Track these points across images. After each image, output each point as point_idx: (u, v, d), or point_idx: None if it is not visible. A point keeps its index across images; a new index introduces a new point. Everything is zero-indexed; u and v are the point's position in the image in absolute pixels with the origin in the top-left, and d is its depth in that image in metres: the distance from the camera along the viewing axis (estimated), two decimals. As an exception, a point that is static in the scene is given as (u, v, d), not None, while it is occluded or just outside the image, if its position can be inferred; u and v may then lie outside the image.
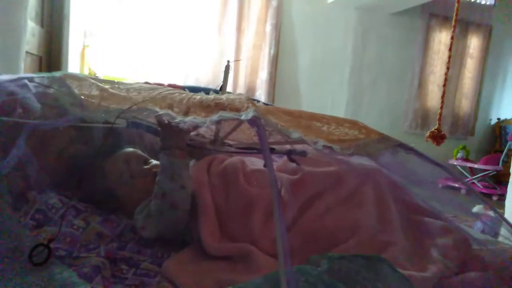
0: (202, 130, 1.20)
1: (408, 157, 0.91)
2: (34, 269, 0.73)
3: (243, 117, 0.65)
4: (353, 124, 0.91)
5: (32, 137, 1.02)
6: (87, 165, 1.09)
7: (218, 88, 1.14)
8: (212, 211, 0.96)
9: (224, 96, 0.80)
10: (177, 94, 0.84)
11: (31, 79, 1.04)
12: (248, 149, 1.18)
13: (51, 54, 2.61)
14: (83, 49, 3.37)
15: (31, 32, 2.17)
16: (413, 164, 0.95)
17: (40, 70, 2.42)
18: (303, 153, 1.08)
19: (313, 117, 0.89)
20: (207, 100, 0.78)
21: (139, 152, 1.14)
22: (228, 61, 1.14)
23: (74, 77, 0.95)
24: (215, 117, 0.67)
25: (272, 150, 1.11)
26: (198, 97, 0.80)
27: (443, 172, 0.95)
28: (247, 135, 1.20)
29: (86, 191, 1.06)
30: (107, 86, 0.91)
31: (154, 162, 1.13)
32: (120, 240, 0.95)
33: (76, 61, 3.17)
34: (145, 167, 1.10)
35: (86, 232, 0.92)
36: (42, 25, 2.44)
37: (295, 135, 0.69)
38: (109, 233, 0.94)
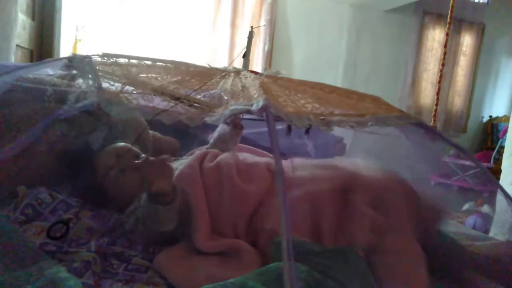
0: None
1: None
2: (23, 264, 0.73)
3: (253, 107, 0.66)
4: (375, 100, 0.91)
5: (21, 129, 1.01)
6: (78, 159, 1.08)
7: (242, 55, 1.14)
8: (205, 209, 0.95)
9: (239, 84, 0.81)
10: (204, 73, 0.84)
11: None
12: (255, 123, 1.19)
13: (42, 47, 2.57)
14: (75, 43, 3.33)
15: (21, 25, 2.14)
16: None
17: (31, 64, 2.39)
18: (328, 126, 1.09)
19: (334, 91, 0.90)
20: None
21: (131, 146, 1.13)
22: (252, 27, 1.15)
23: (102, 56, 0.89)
24: (227, 111, 0.69)
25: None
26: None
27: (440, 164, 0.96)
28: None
29: (77, 185, 1.05)
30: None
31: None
32: (111, 235, 0.94)
33: (68, 55, 3.13)
34: (137, 162, 1.08)
35: (77, 227, 0.91)
36: (33, 18, 2.40)
37: (306, 122, 0.70)
38: (100, 228, 0.94)
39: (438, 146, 1.00)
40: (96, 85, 0.78)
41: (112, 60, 0.88)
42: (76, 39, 3.34)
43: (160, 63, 0.98)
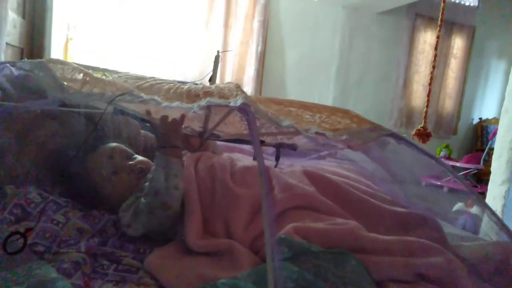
0: (192, 123, 1.18)
1: (399, 148, 0.92)
2: (11, 264, 0.72)
3: (232, 104, 0.63)
4: (345, 113, 0.90)
5: (10, 128, 1.00)
6: (69, 159, 1.06)
7: (208, 78, 1.12)
8: (198, 208, 0.94)
9: (213, 86, 0.79)
10: (164, 83, 0.82)
11: (13, 64, 1.01)
12: (237, 141, 1.17)
13: (33, 46, 2.54)
14: (67, 42, 3.30)
15: (12, 23, 2.12)
16: (402, 157, 0.95)
17: (22, 63, 2.36)
18: (293, 146, 1.08)
19: (304, 106, 0.88)
20: (195, 89, 0.76)
21: (123, 147, 1.12)
22: (218, 51, 1.13)
23: (57, 61, 0.91)
24: (202, 102, 0.66)
25: (262, 143, 1.09)
26: (186, 86, 0.79)
27: (429, 167, 0.96)
28: (237, 128, 1.19)
29: (68, 185, 1.04)
30: (90, 71, 0.88)
31: (139, 157, 1.11)
32: (102, 236, 0.93)
33: (59, 54, 3.11)
34: (130, 162, 1.08)
35: (67, 228, 0.90)
36: (23, 16, 2.38)
37: (286, 122, 0.67)
38: (90, 229, 0.93)
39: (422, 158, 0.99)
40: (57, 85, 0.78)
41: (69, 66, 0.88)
42: (67, 38, 3.31)
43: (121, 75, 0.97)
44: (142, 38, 3.69)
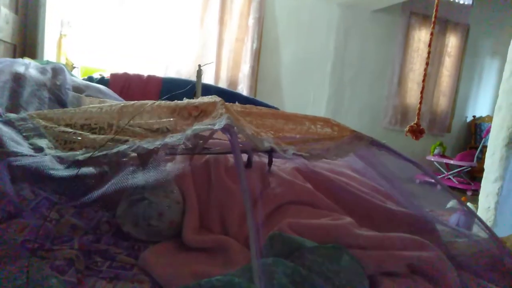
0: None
1: (382, 153, 0.93)
2: (3, 262, 0.71)
3: (216, 126, 0.67)
4: (326, 122, 0.92)
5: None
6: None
7: (193, 94, 1.14)
8: (195, 205, 0.94)
9: (197, 101, 0.81)
10: (147, 105, 0.84)
11: None
12: (228, 152, 1.18)
13: (26, 42, 2.52)
14: (60, 38, 3.27)
15: (4, 19, 2.09)
16: (386, 161, 0.96)
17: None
18: (284, 151, 1.09)
19: (287, 117, 0.91)
20: (181, 105, 0.79)
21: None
22: (200, 65, 1.15)
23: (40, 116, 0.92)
24: (189, 131, 0.69)
25: (254, 149, 1.11)
26: (172, 104, 0.81)
27: (415, 169, 0.97)
28: (224, 137, 1.20)
29: (60, 182, 1.03)
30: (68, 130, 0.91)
31: (132, 154, 1.11)
32: (96, 233, 0.92)
33: (52, 50, 3.08)
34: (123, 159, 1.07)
35: (60, 225, 0.89)
36: (16, 12, 2.35)
37: (266, 144, 0.71)
38: (84, 226, 0.92)
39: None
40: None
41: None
42: (61, 34, 3.28)
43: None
44: (136, 35, 3.67)
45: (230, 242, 0.86)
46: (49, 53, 2.89)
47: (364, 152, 0.91)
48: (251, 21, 4.03)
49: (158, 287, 0.76)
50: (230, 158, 1.15)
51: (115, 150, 0.74)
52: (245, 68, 4.06)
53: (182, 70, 3.81)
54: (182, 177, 0.97)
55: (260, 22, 4.07)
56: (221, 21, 3.95)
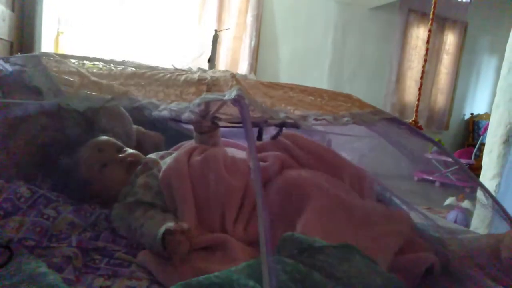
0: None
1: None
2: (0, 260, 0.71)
3: (226, 97, 0.62)
4: (347, 97, 0.89)
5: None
6: (59, 154, 1.05)
7: (207, 59, 1.11)
8: (192, 203, 0.93)
9: (208, 75, 0.78)
10: (161, 73, 0.81)
11: (6, 59, 0.99)
12: (239, 124, 1.16)
13: (23, 39, 2.50)
14: (57, 35, 3.26)
15: (1, 17, 2.08)
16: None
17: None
18: (296, 125, 1.07)
19: (305, 90, 0.87)
20: (191, 78, 0.76)
21: (113, 140, 1.11)
22: (216, 30, 1.11)
23: (52, 55, 0.87)
24: (197, 100, 0.66)
25: (265, 122, 1.09)
26: (183, 76, 0.78)
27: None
28: (235, 110, 1.17)
29: (58, 180, 1.03)
30: (87, 70, 0.85)
31: (129, 150, 1.10)
32: (94, 230, 0.92)
33: (49, 48, 3.06)
34: (120, 155, 1.07)
35: (57, 222, 0.89)
36: (13, 9, 2.34)
37: (281, 115, 0.67)
38: (82, 223, 0.91)
39: (418, 143, 1.01)
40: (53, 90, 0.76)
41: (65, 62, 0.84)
42: (58, 32, 3.26)
43: (120, 66, 0.94)
44: (134, 33, 3.65)
45: (229, 239, 0.85)
46: (46, 50, 2.87)
47: (386, 127, 0.89)
48: (249, 19, 4.01)
49: (156, 285, 0.76)
50: (229, 153, 1.14)
51: (133, 98, 0.69)
52: (244, 66, 4.05)
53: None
54: (179, 175, 0.96)
55: (258, 20, 4.06)
56: (219, 19, 3.94)
